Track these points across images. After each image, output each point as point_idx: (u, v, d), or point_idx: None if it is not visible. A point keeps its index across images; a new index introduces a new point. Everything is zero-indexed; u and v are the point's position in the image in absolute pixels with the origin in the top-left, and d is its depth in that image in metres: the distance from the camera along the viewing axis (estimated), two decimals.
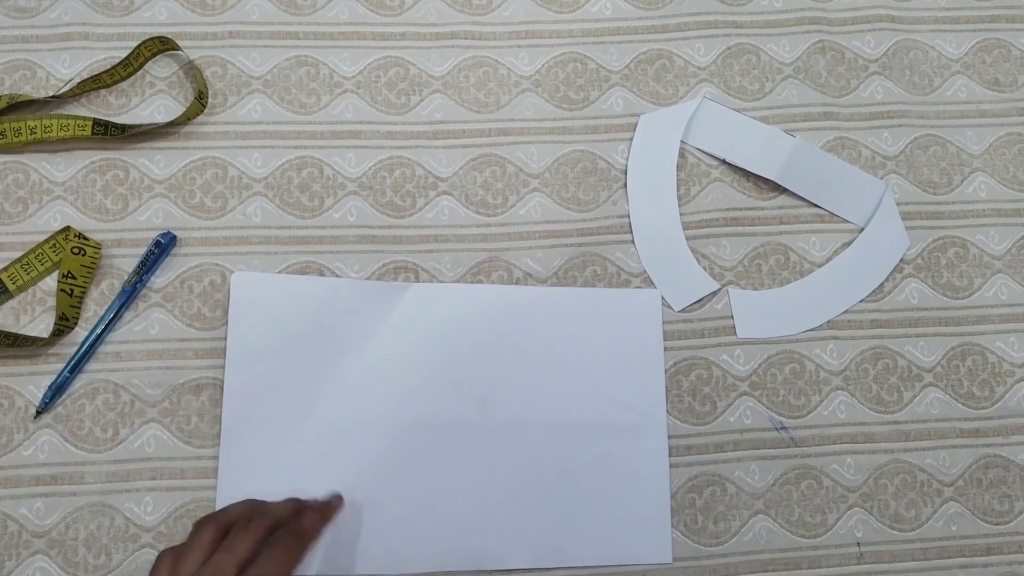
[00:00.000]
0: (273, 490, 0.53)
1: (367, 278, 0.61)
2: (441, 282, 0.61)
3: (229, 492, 0.56)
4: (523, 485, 0.59)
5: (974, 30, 0.69)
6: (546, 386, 0.60)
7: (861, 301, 0.63)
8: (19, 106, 0.61)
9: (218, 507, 0.56)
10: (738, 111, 0.66)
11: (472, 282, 0.61)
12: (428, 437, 0.58)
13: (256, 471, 0.57)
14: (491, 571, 0.57)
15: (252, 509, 0.48)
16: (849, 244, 0.64)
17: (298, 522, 0.49)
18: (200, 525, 0.46)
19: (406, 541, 0.57)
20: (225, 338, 0.58)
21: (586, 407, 0.60)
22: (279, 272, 0.60)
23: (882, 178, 0.65)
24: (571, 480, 0.59)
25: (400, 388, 0.59)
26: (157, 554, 0.48)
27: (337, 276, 0.60)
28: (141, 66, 0.63)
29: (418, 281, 0.61)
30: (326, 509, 0.52)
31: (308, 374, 0.58)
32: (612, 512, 0.59)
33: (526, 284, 0.61)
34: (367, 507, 0.57)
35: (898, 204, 0.64)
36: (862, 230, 0.64)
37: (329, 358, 0.59)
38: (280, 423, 0.57)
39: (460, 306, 0.60)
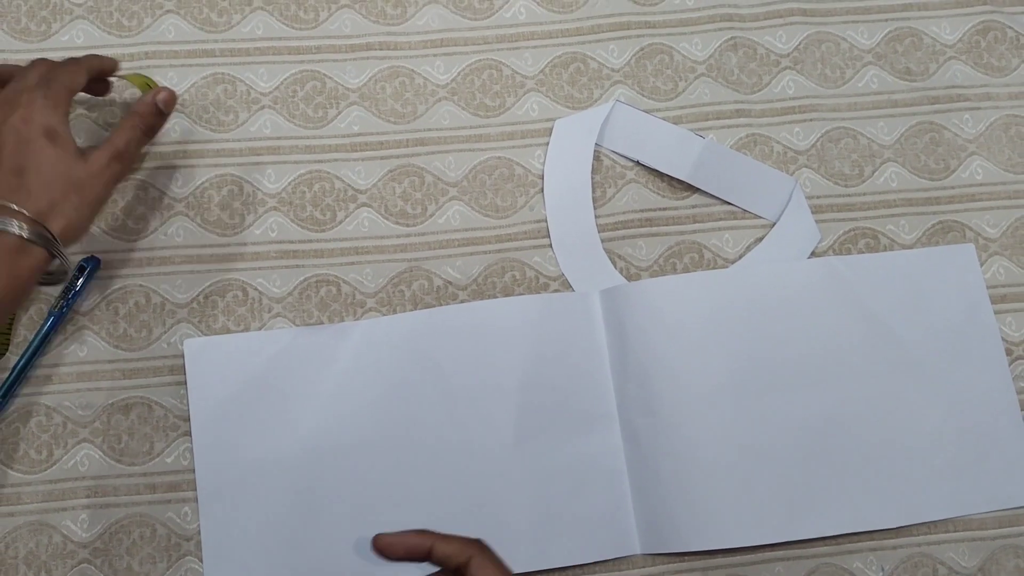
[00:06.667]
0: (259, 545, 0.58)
1: (288, 293, 0.62)
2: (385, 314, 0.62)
3: (216, 556, 0.58)
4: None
5: (886, 19, 0.70)
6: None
7: None
8: None
9: None
10: (652, 112, 0.67)
11: (393, 292, 0.63)
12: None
13: (238, 529, 0.58)
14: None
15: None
16: (761, 240, 0.65)
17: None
18: None
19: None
20: (154, 358, 0.60)
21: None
22: (203, 289, 0.62)
23: (793, 173, 0.66)
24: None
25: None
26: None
27: (260, 292, 0.62)
28: None
29: (340, 294, 0.62)
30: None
31: (278, 419, 0.60)
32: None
33: (446, 292, 0.63)
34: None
35: (810, 198, 0.66)
36: (773, 225, 0.65)
37: (303, 402, 0.60)
38: (254, 476, 0.59)
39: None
